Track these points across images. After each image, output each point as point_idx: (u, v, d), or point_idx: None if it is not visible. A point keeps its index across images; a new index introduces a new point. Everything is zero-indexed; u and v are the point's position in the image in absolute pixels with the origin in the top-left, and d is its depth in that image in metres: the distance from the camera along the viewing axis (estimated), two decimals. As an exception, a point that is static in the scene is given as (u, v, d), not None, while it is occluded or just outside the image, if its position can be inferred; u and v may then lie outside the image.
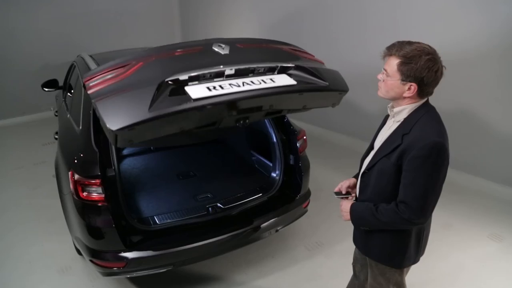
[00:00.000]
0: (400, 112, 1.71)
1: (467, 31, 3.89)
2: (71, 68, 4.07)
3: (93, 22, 7.21)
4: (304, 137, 3.09)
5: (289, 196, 3.05)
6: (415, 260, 1.87)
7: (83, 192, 2.36)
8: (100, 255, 2.45)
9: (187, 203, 2.97)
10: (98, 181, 2.33)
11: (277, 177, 3.06)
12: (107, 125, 1.76)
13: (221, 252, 2.83)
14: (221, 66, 2.02)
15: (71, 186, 2.39)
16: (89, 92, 1.97)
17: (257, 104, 2.11)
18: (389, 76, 1.64)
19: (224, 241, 2.64)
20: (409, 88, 1.61)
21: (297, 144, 3.00)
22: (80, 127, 2.70)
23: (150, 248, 2.50)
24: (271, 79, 2.09)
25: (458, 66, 3.93)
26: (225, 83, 2.00)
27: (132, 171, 3.66)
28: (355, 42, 5.11)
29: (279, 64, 2.17)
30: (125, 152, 3.94)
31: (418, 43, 1.60)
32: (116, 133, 1.78)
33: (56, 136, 3.52)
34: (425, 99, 1.69)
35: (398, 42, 1.63)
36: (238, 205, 2.83)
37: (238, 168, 3.65)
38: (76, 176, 2.35)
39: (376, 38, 4.71)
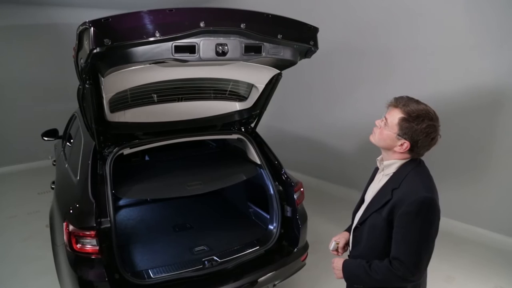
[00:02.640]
0: (390, 166, 1.72)
1: (462, 83, 4.03)
2: (72, 118, 4.14)
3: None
4: (301, 189, 3.09)
5: (286, 249, 2.99)
6: None
7: (77, 244, 2.31)
8: (90, 311, 2.35)
9: (183, 256, 2.91)
10: (93, 232, 2.30)
11: (275, 230, 3.02)
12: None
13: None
14: None
15: (65, 237, 2.35)
16: None
17: (226, 16, 2.10)
18: (387, 126, 1.65)
19: (220, 296, 2.56)
20: (401, 145, 1.63)
21: (295, 196, 2.99)
22: (78, 178, 2.70)
23: (143, 303, 2.41)
24: None
25: (456, 115, 4.03)
26: None
27: (128, 222, 3.61)
28: (353, 96, 5.26)
29: None
30: (121, 203, 3.91)
31: (425, 105, 1.61)
32: (91, 25, 1.76)
33: (53, 186, 3.50)
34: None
35: (407, 97, 1.65)
36: (235, 258, 2.77)
37: (235, 220, 3.60)
38: (71, 227, 2.31)
39: (373, 93, 4.86)
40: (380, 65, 4.75)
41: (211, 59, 2.15)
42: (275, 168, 3.14)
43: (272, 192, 3.04)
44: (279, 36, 2.23)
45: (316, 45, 2.44)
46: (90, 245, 2.31)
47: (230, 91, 3.04)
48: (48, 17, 7.01)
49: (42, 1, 6.64)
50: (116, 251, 2.41)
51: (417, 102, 1.62)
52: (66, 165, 3.27)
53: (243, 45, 2.19)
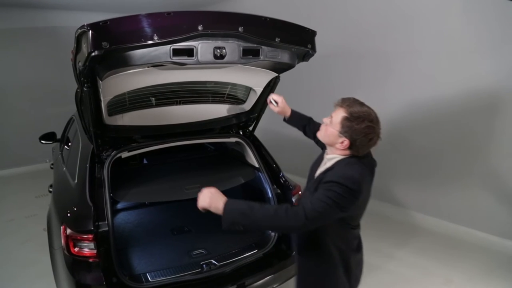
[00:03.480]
0: (331, 160, 1.80)
1: (453, 87, 4.04)
2: (70, 121, 4.13)
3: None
4: (300, 192, 3.08)
5: (285, 252, 2.98)
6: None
7: (74, 247, 2.31)
8: (87, 315, 2.33)
9: (181, 259, 2.90)
10: (90, 236, 2.29)
11: (273, 233, 3.01)
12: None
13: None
14: None
15: (63, 241, 2.34)
16: None
17: (224, 20, 2.10)
18: (332, 123, 1.75)
19: (218, 300, 2.55)
20: (341, 142, 1.72)
21: (293, 199, 2.99)
22: (76, 181, 2.70)
23: (141, 307, 2.39)
24: None
25: (455, 118, 4.03)
26: None
27: (126, 225, 3.60)
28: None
29: None
30: (119, 206, 3.89)
31: (369, 108, 1.71)
32: (90, 28, 1.76)
33: (50, 189, 3.49)
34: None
35: (353, 98, 1.76)
36: (233, 262, 2.76)
37: None
38: (69, 231, 2.31)
39: (370, 96, 4.85)
40: (377, 69, 4.76)
41: (209, 62, 2.15)
42: (273, 171, 3.14)
43: (270, 195, 3.03)
44: (277, 40, 2.24)
45: (314, 49, 2.45)
46: (87, 248, 2.31)
47: (228, 94, 3.05)
48: (46, 20, 7.01)
49: (40, 4, 6.64)
50: (114, 255, 2.40)
51: (361, 104, 1.73)
52: (64, 169, 3.26)
53: (241, 48, 2.19)
